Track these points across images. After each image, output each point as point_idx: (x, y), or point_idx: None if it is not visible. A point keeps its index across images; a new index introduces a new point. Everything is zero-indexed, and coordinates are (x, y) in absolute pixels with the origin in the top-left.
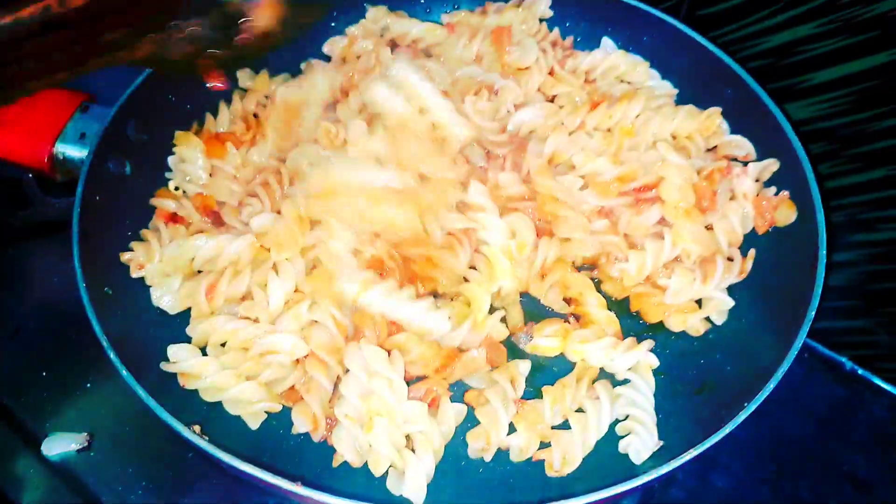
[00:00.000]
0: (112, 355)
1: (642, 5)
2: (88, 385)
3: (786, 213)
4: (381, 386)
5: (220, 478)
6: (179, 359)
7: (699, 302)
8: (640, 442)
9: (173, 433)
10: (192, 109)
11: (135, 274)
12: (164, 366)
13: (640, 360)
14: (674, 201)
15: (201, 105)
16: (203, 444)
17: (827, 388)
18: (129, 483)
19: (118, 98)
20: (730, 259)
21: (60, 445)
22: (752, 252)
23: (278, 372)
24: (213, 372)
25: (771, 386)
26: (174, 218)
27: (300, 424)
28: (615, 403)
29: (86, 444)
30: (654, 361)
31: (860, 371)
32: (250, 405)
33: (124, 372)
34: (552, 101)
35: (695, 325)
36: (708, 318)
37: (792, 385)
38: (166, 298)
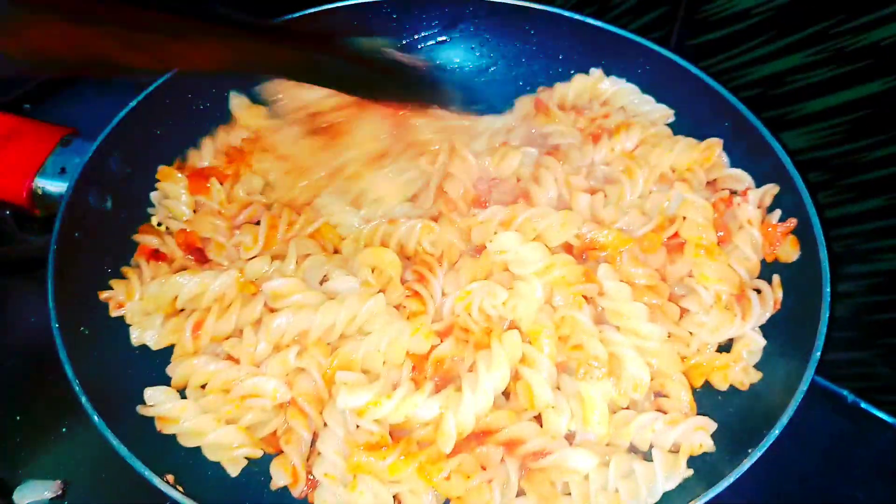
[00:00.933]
0: (83, 399)
1: (634, 36)
2: (64, 430)
3: (788, 251)
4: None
5: None
6: (157, 402)
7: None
8: None
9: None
10: (177, 143)
11: (114, 313)
12: (140, 409)
13: (691, 442)
14: (695, 239)
15: (186, 139)
16: (176, 495)
17: (828, 421)
18: None
19: (101, 132)
20: (757, 291)
21: (33, 493)
22: (776, 279)
23: (260, 416)
24: (191, 416)
25: (776, 432)
26: (156, 255)
27: (279, 478)
28: (622, 478)
29: (59, 492)
30: (708, 444)
31: (862, 404)
32: (230, 451)
33: (96, 417)
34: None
35: (738, 378)
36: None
37: (793, 418)
38: (149, 334)
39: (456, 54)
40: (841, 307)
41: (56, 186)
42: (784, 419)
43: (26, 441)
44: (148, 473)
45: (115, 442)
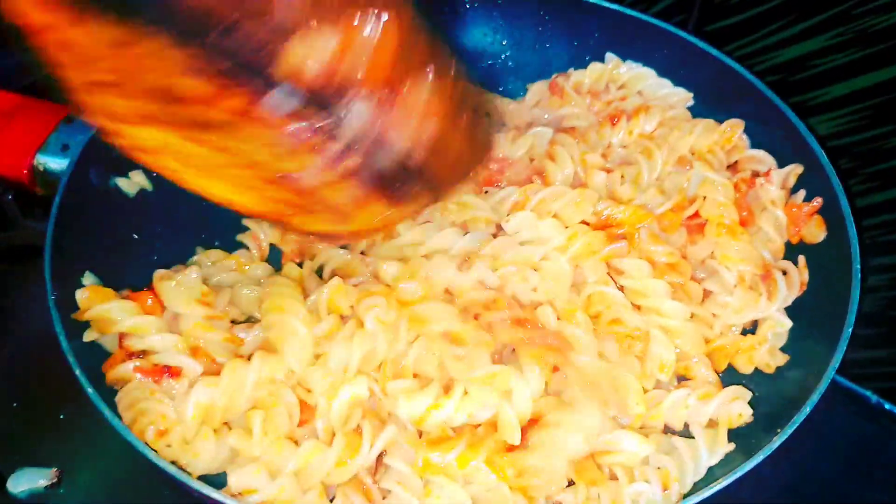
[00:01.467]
0: (77, 371)
1: (651, 19)
2: (62, 417)
3: (814, 232)
4: None
5: None
6: None
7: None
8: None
9: (147, 468)
10: None
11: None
12: None
13: (730, 412)
14: (717, 218)
15: None
16: (172, 469)
17: (851, 424)
18: None
19: None
20: (783, 273)
21: (28, 481)
22: (802, 259)
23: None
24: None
25: (807, 409)
26: (170, 371)
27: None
28: (666, 456)
29: (55, 479)
30: (748, 412)
31: (886, 405)
32: None
33: (90, 390)
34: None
35: (764, 360)
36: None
37: (814, 420)
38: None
39: (468, 40)
40: (865, 302)
41: (58, 163)
42: (815, 397)
43: (23, 429)
44: (134, 440)
45: (107, 413)
